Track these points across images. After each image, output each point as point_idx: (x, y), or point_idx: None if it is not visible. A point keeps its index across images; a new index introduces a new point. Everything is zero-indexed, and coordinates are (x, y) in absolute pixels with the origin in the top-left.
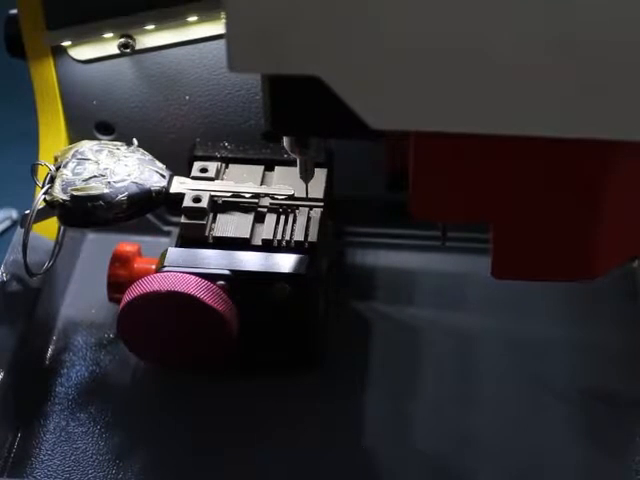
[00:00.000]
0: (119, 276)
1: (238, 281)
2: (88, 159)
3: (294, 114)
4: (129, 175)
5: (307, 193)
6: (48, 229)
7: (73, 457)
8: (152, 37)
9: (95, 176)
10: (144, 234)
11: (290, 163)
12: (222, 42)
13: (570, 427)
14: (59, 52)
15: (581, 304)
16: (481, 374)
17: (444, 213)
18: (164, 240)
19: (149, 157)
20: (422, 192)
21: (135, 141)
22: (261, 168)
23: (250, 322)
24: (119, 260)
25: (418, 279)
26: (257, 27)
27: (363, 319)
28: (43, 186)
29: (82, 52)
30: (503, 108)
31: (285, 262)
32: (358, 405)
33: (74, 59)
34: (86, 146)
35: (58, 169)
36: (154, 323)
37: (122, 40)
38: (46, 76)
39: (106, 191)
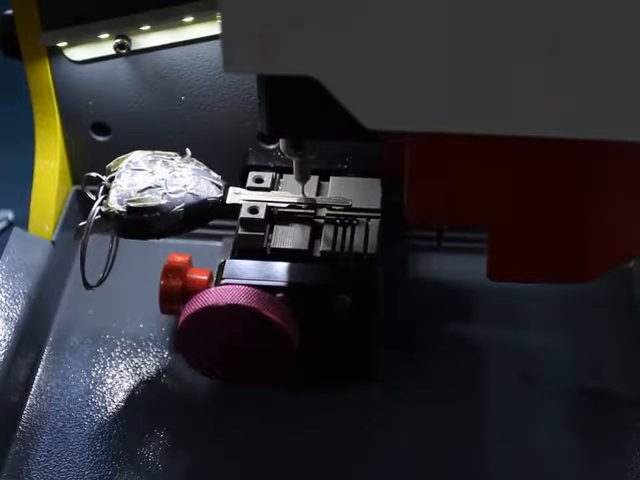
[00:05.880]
0: (173, 287)
1: (299, 293)
2: (142, 169)
3: (290, 117)
4: (185, 186)
5: (303, 192)
6: (43, 230)
7: (69, 458)
8: (148, 38)
9: (150, 187)
10: None
11: (344, 173)
12: (218, 43)
13: (570, 427)
14: (55, 53)
15: (579, 305)
16: (481, 378)
17: (439, 215)
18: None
19: (204, 167)
20: (417, 194)
21: (188, 151)
22: (315, 178)
23: (309, 335)
24: (172, 271)
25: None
26: (252, 28)
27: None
28: (97, 197)
29: (78, 53)
30: (500, 108)
31: (346, 274)
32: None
33: (70, 60)
34: (139, 156)
35: (112, 180)
36: (213, 337)
37: (118, 41)
38: (42, 77)
39: (163, 202)
